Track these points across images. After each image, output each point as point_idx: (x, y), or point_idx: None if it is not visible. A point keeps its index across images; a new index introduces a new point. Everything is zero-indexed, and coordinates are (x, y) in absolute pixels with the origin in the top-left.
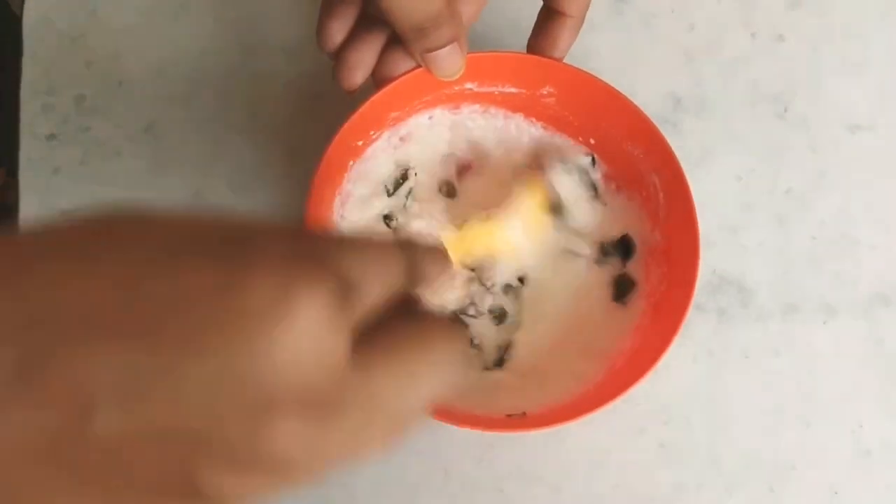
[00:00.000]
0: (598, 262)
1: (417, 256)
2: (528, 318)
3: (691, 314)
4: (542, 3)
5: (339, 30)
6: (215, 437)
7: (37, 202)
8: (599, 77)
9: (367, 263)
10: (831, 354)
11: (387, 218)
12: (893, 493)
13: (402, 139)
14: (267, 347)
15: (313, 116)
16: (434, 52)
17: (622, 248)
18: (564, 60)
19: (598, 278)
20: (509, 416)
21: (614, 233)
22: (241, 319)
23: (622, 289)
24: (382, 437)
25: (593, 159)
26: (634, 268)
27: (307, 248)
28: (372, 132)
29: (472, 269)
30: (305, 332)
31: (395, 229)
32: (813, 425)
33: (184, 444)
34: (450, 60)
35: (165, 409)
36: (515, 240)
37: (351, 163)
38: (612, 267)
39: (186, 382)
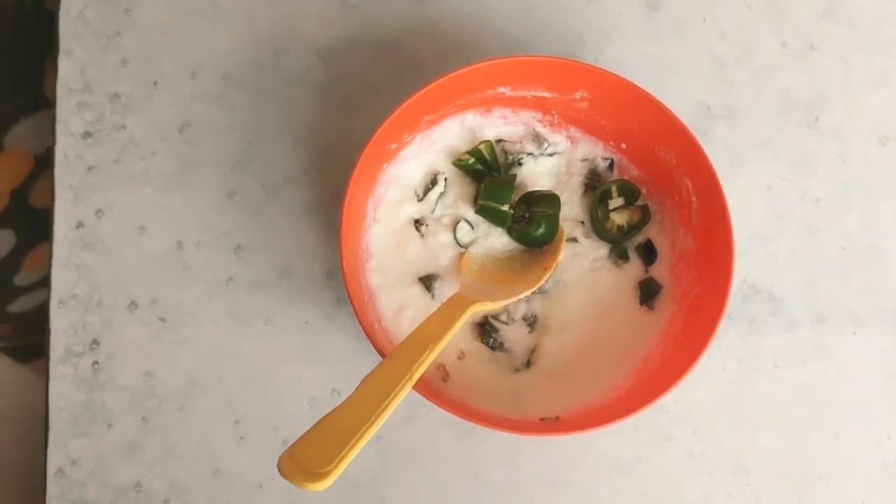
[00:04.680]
0: (616, 264)
1: None
2: (555, 321)
3: (722, 323)
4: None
5: None
6: None
7: (71, 198)
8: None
9: None
10: (860, 365)
11: (417, 223)
12: None
13: (432, 143)
14: None
15: (345, 119)
16: None
17: (645, 252)
18: (597, 66)
19: (623, 281)
20: (542, 419)
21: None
22: None
23: (648, 292)
24: None
25: (612, 163)
26: (662, 272)
27: None
28: (405, 135)
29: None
30: None
31: (424, 235)
32: (841, 436)
33: None
34: None
35: None
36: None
37: (384, 166)
38: (637, 270)
39: None
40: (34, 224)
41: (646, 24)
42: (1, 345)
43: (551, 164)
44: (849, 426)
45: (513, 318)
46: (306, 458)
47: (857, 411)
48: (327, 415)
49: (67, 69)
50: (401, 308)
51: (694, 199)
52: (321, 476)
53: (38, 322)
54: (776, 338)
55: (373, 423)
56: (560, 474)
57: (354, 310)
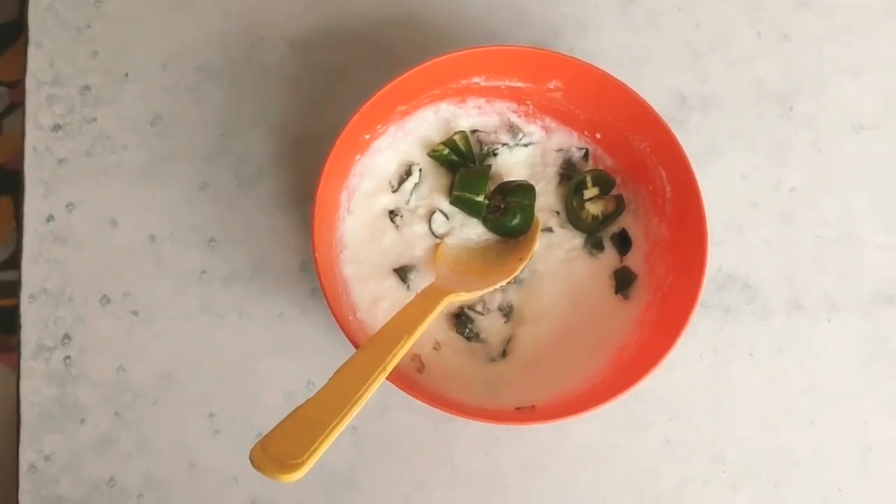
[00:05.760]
0: (591, 253)
1: None
2: (531, 311)
3: (697, 311)
4: None
5: None
6: None
7: (42, 192)
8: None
9: None
10: (835, 352)
11: (392, 214)
12: None
13: (406, 133)
14: None
15: (319, 110)
16: None
17: (620, 242)
18: (572, 55)
19: (598, 271)
20: (518, 409)
21: None
22: None
23: (623, 282)
24: None
25: (586, 153)
26: (636, 261)
27: None
28: (379, 126)
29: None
30: None
31: (398, 226)
32: (817, 422)
33: None
34: None
35: None
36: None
37: (357, 157)
38: (612, 260)
39: None
40: None
41: (621, 14)
42: None
43: (526, 155)
44: (825, 413)
45: (488, 309)
46: (279, 449)
47: (832, 398)
48: (300, 406)
49: (37, 62)
50: (376, 299)
51: (668, 188)
52: (294, 467)
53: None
54: (751, 326)
55: (346, 414)
56: (537, 463)
57: (328, 301)
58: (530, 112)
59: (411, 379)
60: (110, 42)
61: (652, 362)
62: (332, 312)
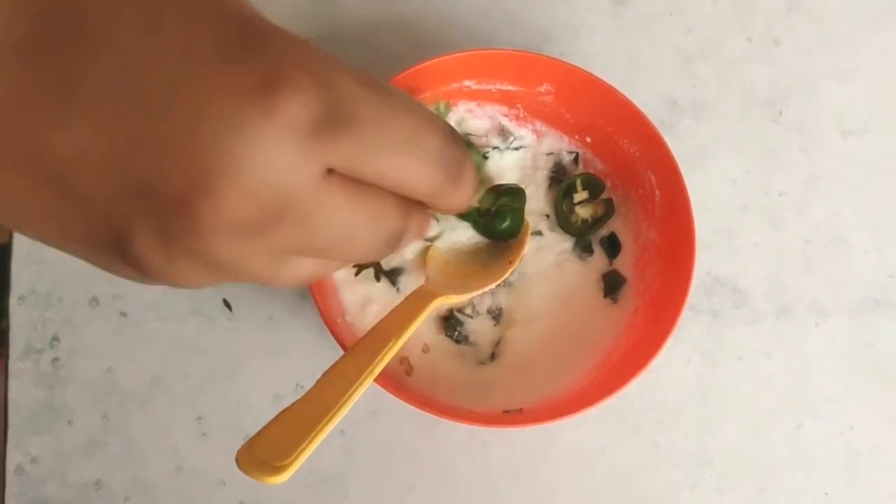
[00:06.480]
0: (580, 257)
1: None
2: (520, 314)
3: (685, 315)
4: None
5: None
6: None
7: None
8: (597, 75)
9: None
10: (823, 357)
11: None
12: (883, 494)
13: None
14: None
15: None
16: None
17: (609, 245)
18: (563, 60)
19: (587, 274)
20: (506, 411)
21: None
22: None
23: (612, 285)
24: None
25: (577, 157)
26: (625, 265)
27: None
28: None
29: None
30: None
31: None
32: (804, 427)
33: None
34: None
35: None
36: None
37: None
38: (601, 263)
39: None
40: None
41: (613, 18)
42: None
43: (517, 158)
44: (812, 417)
45: (477, 311)
46: (265, 451)
47: (820, 402)
48: (287, 408)
49: None
50: (365, 302)
51: (657, 192)
52: (279, 469)
53: None
54: (740, 330)
55: (333, 416)
56: (525, 467)
57: (317, 304)
58: (521, 116)
59: (400, 382)
60: None
61: (640, 366)
62: (321, 315)
